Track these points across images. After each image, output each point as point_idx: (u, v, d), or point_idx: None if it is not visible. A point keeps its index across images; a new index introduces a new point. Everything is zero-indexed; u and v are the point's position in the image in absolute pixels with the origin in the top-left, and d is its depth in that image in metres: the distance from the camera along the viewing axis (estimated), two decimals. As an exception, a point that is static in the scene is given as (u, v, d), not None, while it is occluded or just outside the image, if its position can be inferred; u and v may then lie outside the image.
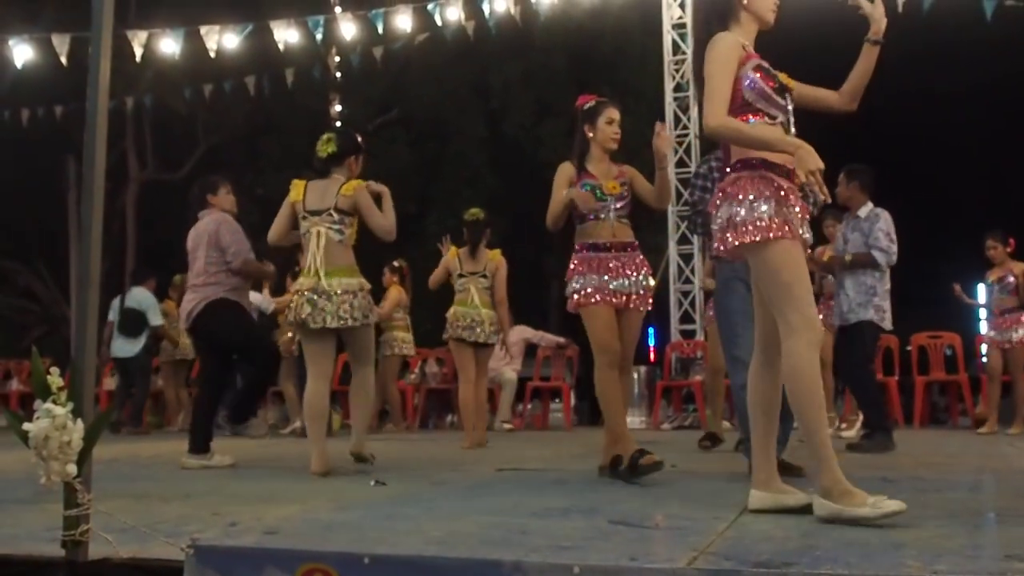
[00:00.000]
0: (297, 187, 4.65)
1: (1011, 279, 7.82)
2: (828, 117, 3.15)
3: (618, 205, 4.21)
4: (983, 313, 8.82)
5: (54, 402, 2.10)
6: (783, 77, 2.97)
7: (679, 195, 11.32)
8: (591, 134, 4.25)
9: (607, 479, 3.99)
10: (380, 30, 11.51)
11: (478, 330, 6.52)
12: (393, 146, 18.93)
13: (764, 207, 2.77)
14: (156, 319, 9.19)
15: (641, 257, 4.24)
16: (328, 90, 18.25)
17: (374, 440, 6.58)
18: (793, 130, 3.02)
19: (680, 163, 11.70)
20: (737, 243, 2.81)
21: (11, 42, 11.20)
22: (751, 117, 2.88)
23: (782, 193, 2.81)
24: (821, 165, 2.73)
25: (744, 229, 2.78)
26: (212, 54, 11.05)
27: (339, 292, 4.42)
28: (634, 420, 10.16)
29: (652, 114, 12.91)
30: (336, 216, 4.51)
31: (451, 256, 6.76)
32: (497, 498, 3.44)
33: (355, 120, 17.58)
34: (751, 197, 2.79)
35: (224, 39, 11.02)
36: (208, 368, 5.35)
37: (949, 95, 20.46)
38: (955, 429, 9.30)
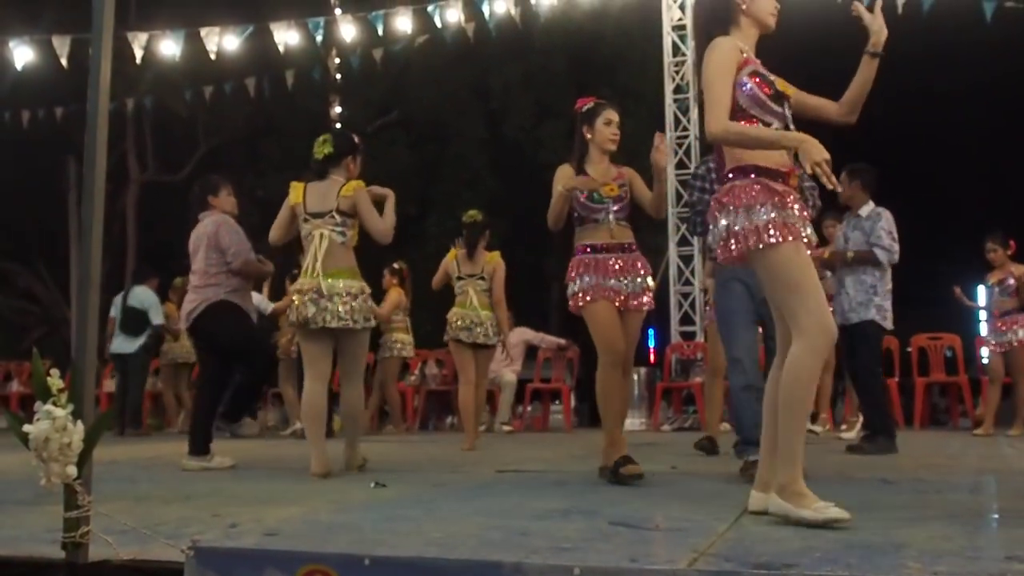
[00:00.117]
0: (296, 189, 4.66)
1: (1011, 281, 7.81)
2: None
3: (616, 208, 4.20)
4: (983, 315, 8.82)
5: (54, 404, 2.10)
6: (780, 84, 2.96)
7: (679, 197, 11.33)
8: (589, 136, 4.25)
9: (607, 480, 3.99)
10: (380, 32, 11.52)
11: (476, 331, 6.51)
12: (393, 148, 18.93)
13: (762, 213, 2.77)
14: (158, 318, 9.20)
15: (641, 259, 4.24)
16: (328, 92, 18.26)
17: (374, 442, 6.59)
18: None
19: (680, 165, 11.70)
20: (739, 252, 2.81)
21: (12, 44, 11.21)
22: (745, 124, 2.87)
23: (778, 197, 2.80)
24: (827, 155, 2.71)
25: (744, 237, 2.78)
26: (212, 56, 11.07)
27: (341, 294, 4.43)
28: (634, 422, 10.17)
29: (652, 116, 12.97)
30: (339, 218, 4.51)
31: (450, 258, 6.75)
32: (497, 499, 3.44)
33: (355, 122, 17.57)
34: (748, 205, 2.79)
35: (224, 41, 11.04)
36: (208, 370, 5.35)
37: (949, 95, 20.47)
38: (955, 431, 9.29)
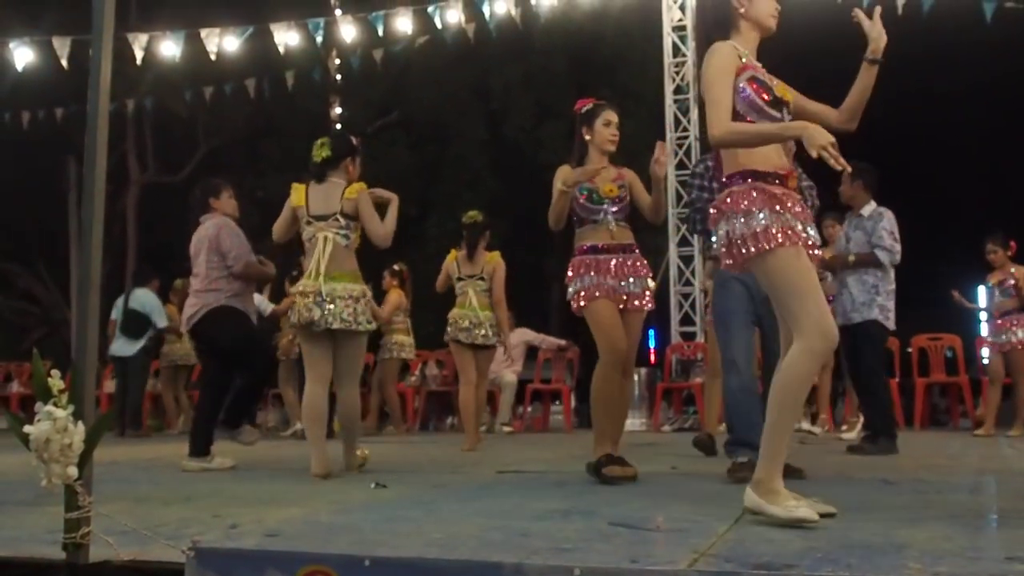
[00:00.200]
0: (298, 191, 4.65)
1: (1011, 282, 7.81)
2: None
3: (614, 208, 4.20)
4: (984, 315, 8.82)
5: (55, 404, 2.10)
6: (780, 89, 2.96)
7: (680, 197, 11.33)
8: (588, 136, 4.25)
9: (589, 475, 4.00)
10: (380, 32, 11.52)
11: (476, 332, 6.51)
12: (393, 149, 18.94)
13: (761, 217, 2.77)
14: (162, 321, 9.20)
15: (641, 259, 4.24)
16: (328, 93, 18.27)
17: (374, 443, 6.58)
18: (792, 143, 3.01)
19: (680, 165, 11.69)
20: (740, 259, 2.81)
21: (12, 44, 11.21)
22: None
23: (777, 201, 2.80)
24: (832, 139, 2.69)
25: (743, 242, 2.78)
26: (212, 56, 11.07)
27: (343, 296, 4.44)
28: (635, 422, 10.17)
29: (652, 117, 12.98)
30: (343, 221, 4.51)
31: (450, 260, 6.75)
32: (498, 500, 3.44)
33: (355, 123, 17.59)
34: (746, 210, 2.79)
35: (224, 42, 11.04)
36: (209, 372, 5.35)
37: (949, 96, 20.49)
38: (956, 431, 9.29)
